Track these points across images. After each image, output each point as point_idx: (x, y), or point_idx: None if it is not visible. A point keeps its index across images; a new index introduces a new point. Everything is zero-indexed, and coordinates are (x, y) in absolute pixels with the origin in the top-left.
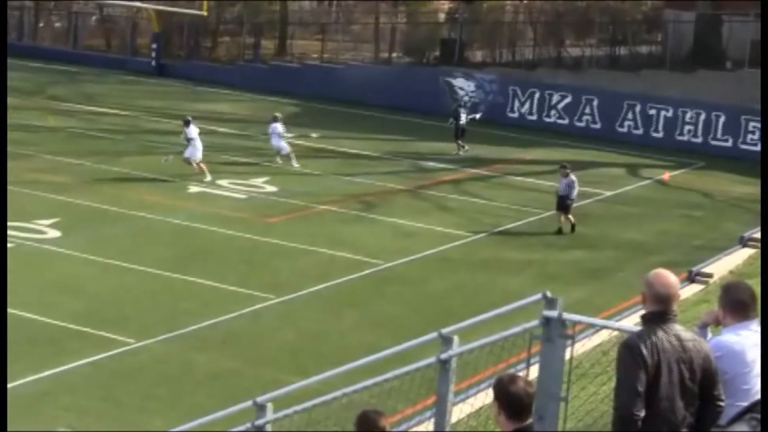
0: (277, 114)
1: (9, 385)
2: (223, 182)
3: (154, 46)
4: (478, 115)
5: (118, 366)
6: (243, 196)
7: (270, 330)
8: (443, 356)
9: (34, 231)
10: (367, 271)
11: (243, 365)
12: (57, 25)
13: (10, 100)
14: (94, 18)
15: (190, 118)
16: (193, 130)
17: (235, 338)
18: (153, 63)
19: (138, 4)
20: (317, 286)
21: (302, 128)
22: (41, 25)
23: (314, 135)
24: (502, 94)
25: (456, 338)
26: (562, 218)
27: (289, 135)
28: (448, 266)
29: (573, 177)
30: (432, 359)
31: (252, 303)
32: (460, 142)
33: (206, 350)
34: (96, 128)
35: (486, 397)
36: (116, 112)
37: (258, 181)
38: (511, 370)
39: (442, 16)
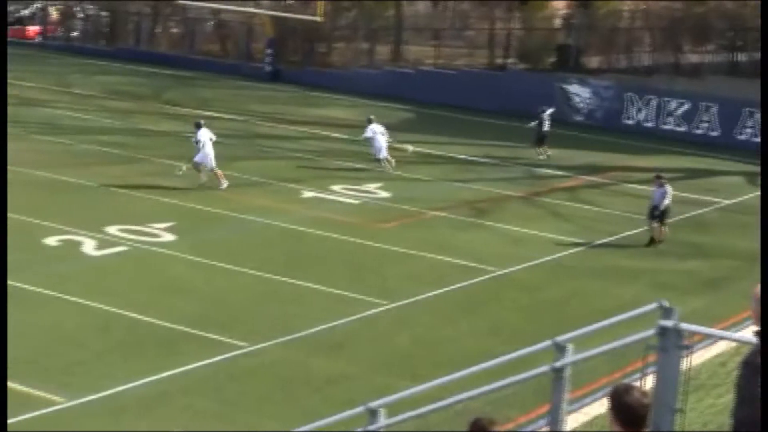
0: (372, 116)
1: (128, 385)
2: (336, 187)
3: (268, 51)
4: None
5: (233, 369)
6: (356, 202)
7: (384, 335)
8: (557, 364)
9: (150, 234)
10: (480, 278)
11: (357, 370)
12: (173, 30)
13: (127, 105)
14: (209, 24)
15: (201, 121)
16: (205, 134)
17: (350, 343)
18: (267, 68)
19: (253, 9)
20: (431, 292)
21: (416, 134)
22: (158, 30)
23: (410, 148)
24: (617, 101)
25: (570, 346)
26: (657, 228)
27: (389, 139)
28: (561, 273)
29: (668, 187)
30: (546, 367)
31: (366, 308)
32: (539, 149)
33: (320, 354)
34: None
35: (600, 406)
36: (230, 116)
37: (371, 186)
38: (627, 380)
39: (557, 22)
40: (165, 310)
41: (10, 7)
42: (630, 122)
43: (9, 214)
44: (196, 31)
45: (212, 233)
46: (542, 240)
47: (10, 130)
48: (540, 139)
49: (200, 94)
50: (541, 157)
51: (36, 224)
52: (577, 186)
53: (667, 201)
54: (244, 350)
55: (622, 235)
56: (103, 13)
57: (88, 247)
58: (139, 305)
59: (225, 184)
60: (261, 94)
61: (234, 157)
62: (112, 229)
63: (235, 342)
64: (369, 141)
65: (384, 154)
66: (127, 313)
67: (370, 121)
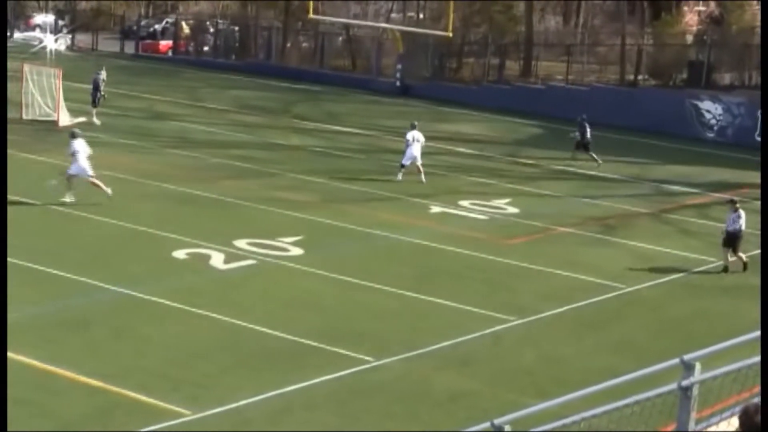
0: (415, 122)
1: (254, 399)
2: (465, 203)
3: (398, 66)
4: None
5: (358, 383)
6: (484, 217)
7: (510, 351)
8: (684, 383)
9: (278, 248)
10: (607, 295)
11: (482, 386)
12: (304, 45)
13: (257, 119)
14: (340, 39)
15: (77, 131)
16: (80, 144)
17: (475, 359)
18: (397, 83)
19: (384, 25)
20: (558, 308)
21: (544, 149)
22: (289, 45)
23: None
24: (750, 118)
25: (698, 365)
26: (730, 256)
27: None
28: (690, 291)
29: (741, 212)
30: (673, 386)
31: (492, 324)
32: (579, 154)
33: (445, 370)
34: (337, 147)
35: (728, 426)
36: (358, 131)
37: (500, 202)
38: (756, 400)
39: (689, 38)
40: (292, 323)
41: (144, 22)
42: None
43: (139, 227)
44: (326, 45)
45: (340, 248)
46: (670, 257)
47: (142, 143)
48: (584, 147)
49: (329, 109)
50: (594, 164)
51: (165, 237)
52: (707, 203)
53: (738, 226)
54: (370, 365)
55: (752, 253)
56: (234, 28)
57: (217, 260)
58: (267, 319)
59: (109, 191)
60: (390, 109)
61: (362, 172)
62: (241, 243)
63: (361, 356)
64: (407, 146)
65: (417, 161)
66: (254, 326)
67: (413, 126)
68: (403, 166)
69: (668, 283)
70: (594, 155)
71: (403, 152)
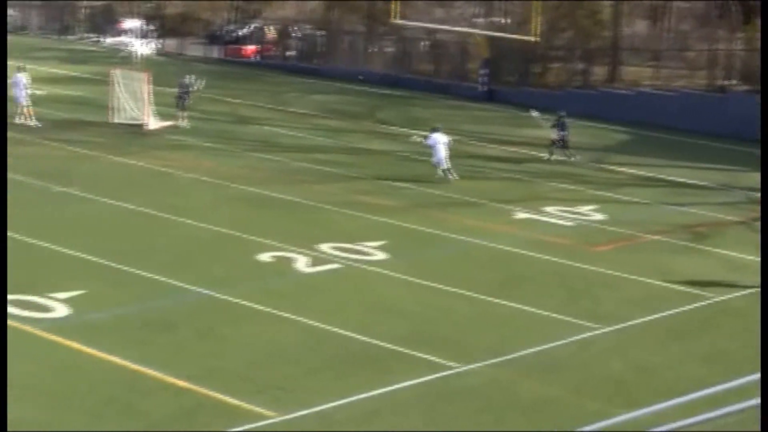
0: (438, 125)
1: (338, 402)
2: (550, 209)
3: (483, 71)
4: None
5: (443, 389)
6: (570, 223)
7: (596, 360)
8: None
9: (363, 253)
10: (696, 304)
11: (568, 394)
12: (388, 50)
13: (340, 124)
14: (424, 43)
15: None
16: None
17: (561, 367)
18: (482, 88)
19: (469, 29)
20: (645, 317)
21: (631, 156)
22: (373, 50)
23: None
24: None
25: None
26: None
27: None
28: None
29: None
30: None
31: (578, 332)
32: (553, 149)
33: (531, 377)
34: (421, 152)
35: None
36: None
37: (586, 208)
38: None
39: None
40: (376, 328)
41: (230, 26)
42: None
43: (224, 230)
44: (410, 50)
45: (424, 253)
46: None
47: (226, 147)
48: (563, 144)
49: (413, 114)
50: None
51: (250, 240)
52: None
53: None
54: (454, 371)
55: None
56: (319, 33)
57: (301, 264)
58: (351, 323)
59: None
60: (474, 114)
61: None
62: (325, 247)
63: (445, 362)
64: (431, 149)
65: (444, 165)
66: (338, 330)
67: (435, 130)
68: (445, 169)
69: (759, 293)
70: (571, 153)
71: (432, 156)
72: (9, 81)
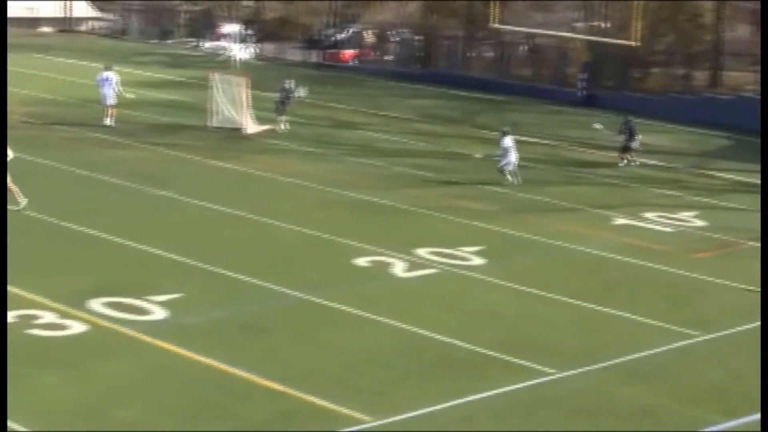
0: (507, 128)
1: (435, 408)
2: (650, 214)
3: (582, 76)
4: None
5: (540, 395)
6: (669, 230)
7: (697, 367)
8: None
9: (460, 258)
10: None
11: (668, 402)
12: (487, 54)
13: (439, 128)
14: (523, 48)
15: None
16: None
17: (660, 374)
18: (581, 93)
19: (568, 34)
20: (747, 325)
21: (732, 161)
22: (471, 54)
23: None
24: None
25: None
26: None
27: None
28: None
29: None
30: None
31: (677, 339)
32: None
33: (629, 384)
34: (520, 157)
35: None
36: (541, 141)
37: (686, 214)
38: None
39: None
40: (473, 333)
41: (328, 31)
42: None
43: (321, 234)
44: (509, 55)
45: (522, 258)
46: None
47: (324, 151)
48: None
49: (511, 119)
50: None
51: (347, 244)
52: None
53: None
54: (551, 377)
55: None
56: (417, 37)
57: (398, 268)
58: (448, 328)
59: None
60: (573, 119)
61: (544, 182)
62: (422, 252)
63: (542, 368)
64: (504, 152)
65: (514, 168)
66: (435, 335)
67: (505, 134)
68: (507, 172)
69: None
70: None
71: (499, 159)
72: (96, 79)
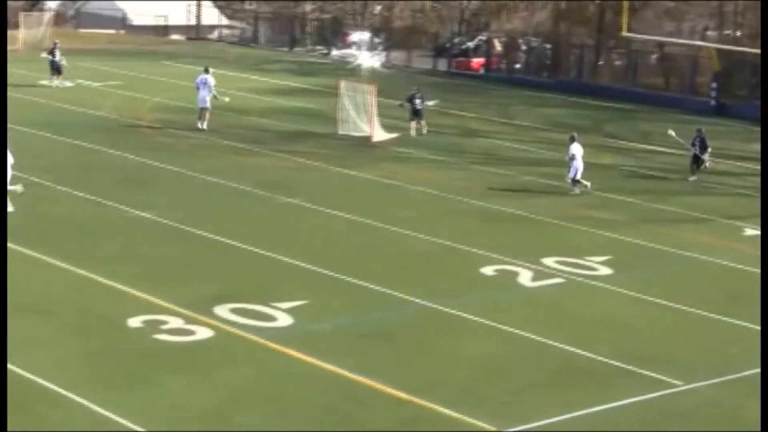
0: (575, 134)
1: (558, 418)
2: None
3: (713, 85)
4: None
5: (666, 407)
6: None
7: None
8: None
9: (586, 267)
10: None
11: None
12: (617, 63)
13: (567, 137)
14: (653, 56)
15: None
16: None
17: None
18: (712, 102)
19: (700, 42)
20: None
21: None
22: (601, 63)
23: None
24: None
25: None
26: None
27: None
28: None
29: None
30: None
31: None
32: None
33: (758, 398)
34: (648, 166)
35: None
36: (670, 151)
37: None
38: None
39: None
40: (599, 344)
41: (457, 39)
42: None
43: (449, 243)
44: (639, 63)
45: (650, 268)
46: None
47: (452, 159)
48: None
49: (641, 128)
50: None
51: (474, 253)
52: None
53: None
54: (678, 389)
55: None
56: (546, 46)
57: (524, 277)
58: (574, 338)
59: None
60: (706, 128)
61: (674, 192)
62: (549, 261)
63: (669, 380)
64: (571, 159)
65: (579, 176)
66: (560, 345)
67: (573, 139)
68: (576, 181)
69: None
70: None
71: (568, 167)
72: (195, 81)
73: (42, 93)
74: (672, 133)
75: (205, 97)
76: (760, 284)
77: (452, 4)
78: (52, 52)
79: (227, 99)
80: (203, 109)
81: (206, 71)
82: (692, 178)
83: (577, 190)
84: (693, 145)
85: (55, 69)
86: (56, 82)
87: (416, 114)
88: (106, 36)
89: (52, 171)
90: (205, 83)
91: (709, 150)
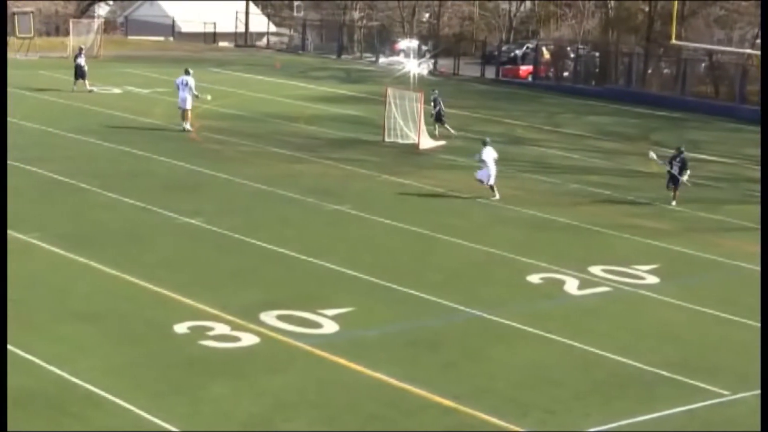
0: (487, 138)
1: (604, 427)
2: None
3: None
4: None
5: (712, 417)
6: None
7: None
8: None
9: (633, 276)
10: None
11: None
12: (665, 71)
13: (616, 145)
14: (703, 65)
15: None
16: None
17: None
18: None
19: (750, 51)
20: None
21: None
22: (650, 71)
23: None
24: None
25: None
26: None
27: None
28: None
29: None
30: None
31: None
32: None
33: None
34: (698, 175)
35: None
36: (720, 159)
37: None
38: None
39: None
40: (645, 352)
41: (504, 47)
42: None
43: (496, 251)
44: (688, 72)
45: (699, 278)
46: None
47: (500, 167)
48: (439, 119)
49: (690, 136)
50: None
51: (521, 261)
52: None
53: None
54: (726, 398)
55: None
56: (595, 54)
57: (571, 286)
58: (620, 346)
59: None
60: (753, 137)
61: (722, 201)
62: (596, 269)
63: (716, 390)
64: (481, 163)
65: (492, 181)
66: (607, 354)
67: (485, 144)
68: (484, 183)
69: None
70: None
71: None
72: (175, 81)
73: (90, 99)
74: (653, 155)
75: (186, 98)
76: (760, 284)
77: (500, 11)
78: (77, 57)
79: (209, 97)
80: (184, 110)
81: (186, 72)
82: (673, 204)
83: (496, 196)
84: (670, 164)
85: (80, 74)
86: (88, 86)
87: (438, 119)
88: (155, 43)
89: (100, 177)
90: (185, 84)
91: (688, 172)
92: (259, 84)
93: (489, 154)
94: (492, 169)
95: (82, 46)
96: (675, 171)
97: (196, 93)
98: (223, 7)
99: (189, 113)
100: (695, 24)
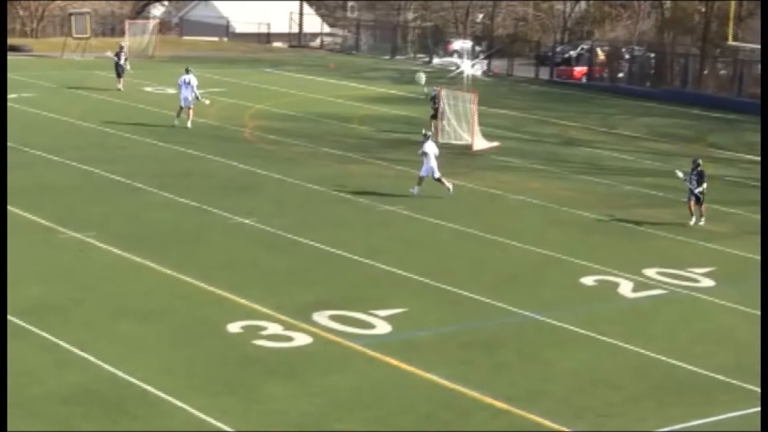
0: (429, 132)
1: (659, 430)
2: None
3: None
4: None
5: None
6: None
7: None
8: None
9: (689, 279)
10: None
11: None
12: (722, 72)
13: (671, 147)
14: (760, 66)
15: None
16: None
17: None
18: None
19: None
20: None
21: None
22: (706, 72)
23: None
24: None
25: None
26: None
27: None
28: None
29: None
30: None
31: None
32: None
33: None
34: (753, 177)
35: None
36: None
37: None
38: None
39: None
40: (702, 357)
41: (559, 48)
42: None
43: (549, 252)
44: (745, 73)
45: (753, 280)
46: None
47: (553, 169)
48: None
49: (747, 138)
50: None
51: (575, 263)
52: None
53: None
54: None
55: None
56: (650, 55)
57: (625, 288)
58: (676, 350)
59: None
60: None
61: None
62: (650, 272)
63: None
64: (423, 156)
65: (435, 174)
66: (662, 357)
67: (426, 138)
68: (421, 179)
69: None
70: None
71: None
72: (178, 81)
73: (145, 100)
74: (680, 174)
75: (188, 97)
76: (760, 284)
77: (555, 12)
78: (117, 55)
79: (207, 101)
80: (187, 108)
81: (187, 71)
82: (701, 222)
83: (415, 191)
84: (689, 179)
85: (119, 72)
86: (120, 85)
87: (435, 116)
88: (210, 43)
89: (156, 177)
90: (187, 83)
91: (705, 185)
92: (313, 84)
93: (431, 147)
94: (433, 162)
95: (123, 44)
96: (693, 186)
97: (197, 93)
98: (277, 8)
99: (191, 112)
100: (752, 24)
